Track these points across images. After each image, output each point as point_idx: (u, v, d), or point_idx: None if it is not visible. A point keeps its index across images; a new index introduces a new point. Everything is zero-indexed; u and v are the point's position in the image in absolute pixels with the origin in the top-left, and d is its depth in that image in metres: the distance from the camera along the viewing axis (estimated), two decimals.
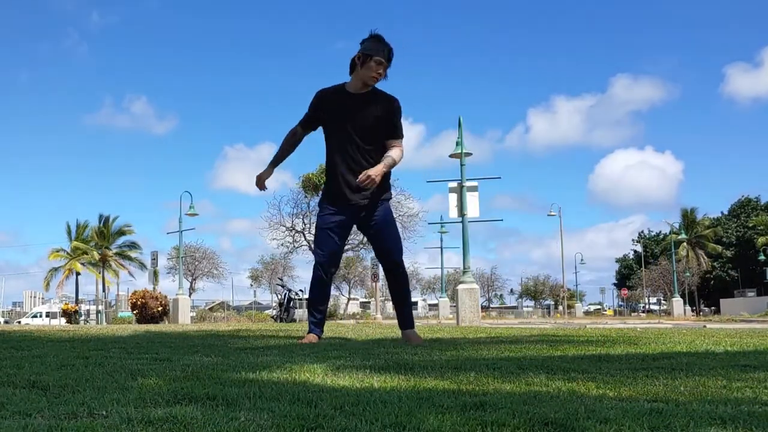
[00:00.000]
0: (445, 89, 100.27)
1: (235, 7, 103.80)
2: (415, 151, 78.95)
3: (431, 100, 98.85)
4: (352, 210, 4.36)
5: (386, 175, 4.36)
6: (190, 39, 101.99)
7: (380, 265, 4.63)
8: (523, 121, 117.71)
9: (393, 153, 4.30)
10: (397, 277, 4.52)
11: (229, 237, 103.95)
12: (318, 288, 4.47)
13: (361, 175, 4.14)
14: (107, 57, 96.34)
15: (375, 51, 4.17)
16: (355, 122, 4.27)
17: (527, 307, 68.82)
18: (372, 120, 4.26)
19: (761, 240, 50.06)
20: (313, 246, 4.55)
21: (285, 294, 21.49)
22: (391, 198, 4.59)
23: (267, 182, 4.64)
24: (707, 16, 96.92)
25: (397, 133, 4.33)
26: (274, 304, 29.44)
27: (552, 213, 43.92)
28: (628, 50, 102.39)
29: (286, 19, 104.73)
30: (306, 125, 4.52)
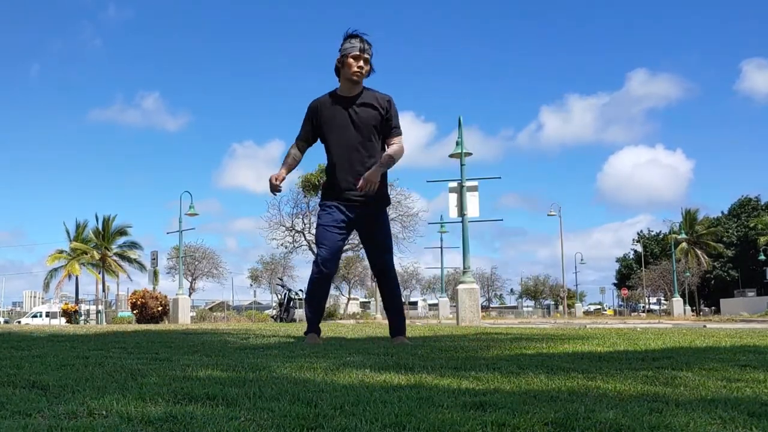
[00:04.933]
0: (456, 87, 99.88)
1: (249, 4, 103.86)
2: (425, 150, 78.54)
3: (442, 99, 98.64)
4: (352, 209, 4.38)
5: (384, 181, 4.39)
6: (204, 34, 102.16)
7: (374, 270, 4.58)
8: (536, 119, 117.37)
9: (390, 150, 4.35)
10: (387, 282, 4.51)
11: (235, 236, 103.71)
12: (318, 285, 4.46)
13: (360, 182, 4.18)
14: (121, 52, 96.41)
15: (349, 49, 4.28)
16: (351, 123, 4.33)
17: (527, 307, 68.83)
18: (367, 119, 4.32)
19: (762, 240, 50.00)
20: (315, 243, 4.54)
21: (285, 294, 21.50)
22: (389, 204, 4.63)
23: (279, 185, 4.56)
24: (725, 10, 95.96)
25: (393, 131, 4.38)
26: (274, 304, 29.46)
27: (552, 213, 43.93)
28: (644, 48, 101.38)
29: (299, 16, 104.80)
30: (305, 139, 4.55)
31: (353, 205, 4.36)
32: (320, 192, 4.61)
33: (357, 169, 4.29)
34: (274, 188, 4.48)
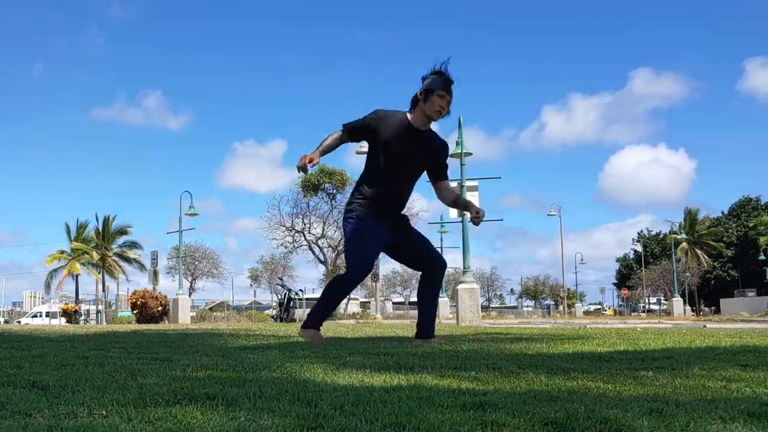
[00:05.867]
0: (460, 87, 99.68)
1: (250, 4, 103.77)
2: None
3: None
4: (387, 232, 4.42)
5: None
6: (206, 34, 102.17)
7: (429, 268, 4.59)
8: (538, 118, 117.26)
9: (455, 193, 4.80)
10: (440, 271, 4.63)
11: (235, 236, 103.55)
12: (348, 291, 4.58)
13: (478, 216, 4.39)
14: (123, 50, 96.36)
15: (437, 85, 4.18)
16: (413, 156, 4.30)
17: (527, 307, 68.82)
18: (427, 157, 4.38)
19: (762, 240, 49.96)
20: (352, 254, 4.41)
21: (285, 294, 21.50)
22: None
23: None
24: (728, 9, 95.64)
25: (447, 174, 4.60)
26: (274, 304, 29.46)
27: (552, 213, 43.91)
28: (647, 47, 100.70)
29: (299, 15, 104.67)
30: (354, 135, 4.43)
31: (388, 228, 4.42)
32: (351, 201, 4.40)
33: (399, 200, 4.43)
34: (303, 169, 4.27)
